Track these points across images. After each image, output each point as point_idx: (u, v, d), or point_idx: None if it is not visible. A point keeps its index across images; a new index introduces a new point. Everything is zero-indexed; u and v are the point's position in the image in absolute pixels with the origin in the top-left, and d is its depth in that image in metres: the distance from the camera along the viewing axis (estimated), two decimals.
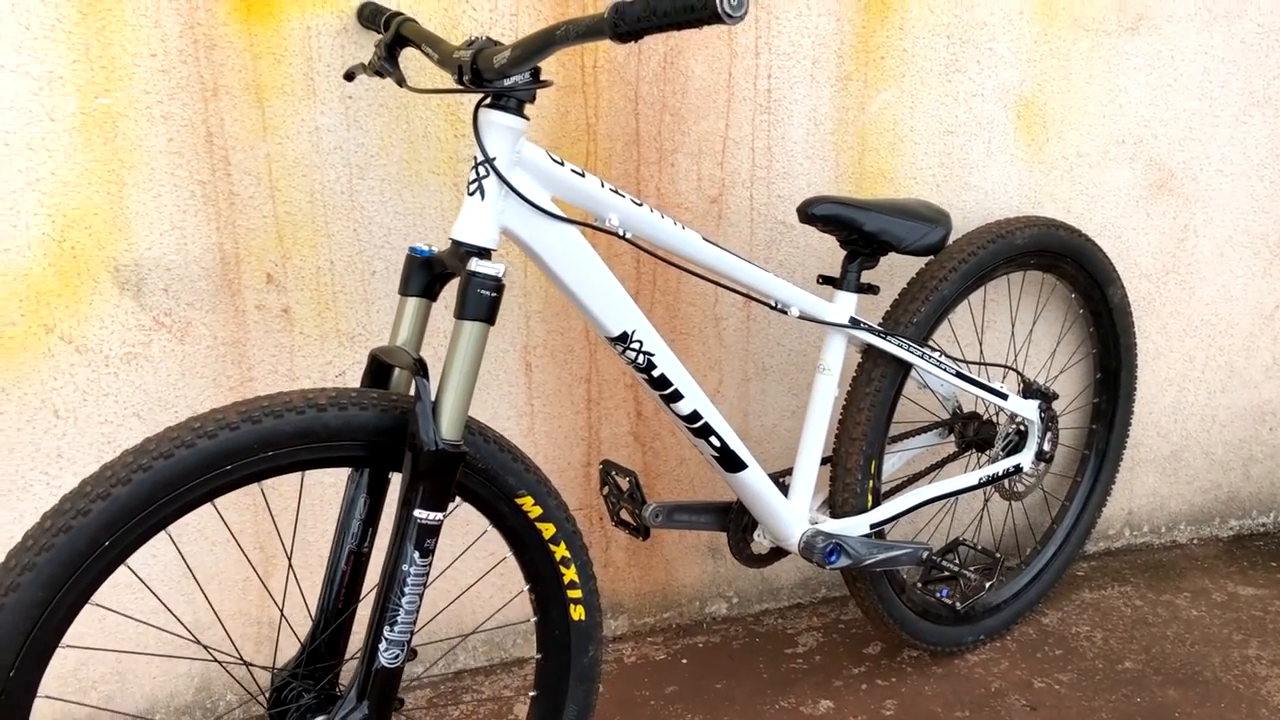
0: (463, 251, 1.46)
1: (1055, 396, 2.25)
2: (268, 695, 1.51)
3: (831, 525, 2.00)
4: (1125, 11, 2.31)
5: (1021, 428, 2.22)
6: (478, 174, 1.47)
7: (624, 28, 1.21)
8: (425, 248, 1.52)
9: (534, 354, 2.14)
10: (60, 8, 1.67)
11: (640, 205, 1.63)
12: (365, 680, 1.46)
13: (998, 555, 2.08)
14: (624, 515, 1.95)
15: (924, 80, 2.23)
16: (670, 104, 2.07)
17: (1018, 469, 2.20)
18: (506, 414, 2.16)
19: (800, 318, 1.87)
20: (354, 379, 2.03)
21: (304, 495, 1.86)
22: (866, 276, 1.96)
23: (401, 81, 1.63)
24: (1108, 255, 2.33)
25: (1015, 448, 2.23)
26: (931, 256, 2.01)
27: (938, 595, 2.27)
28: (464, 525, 2.12)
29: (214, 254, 1.87)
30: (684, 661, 2.37)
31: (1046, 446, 2.23)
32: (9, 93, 1.68)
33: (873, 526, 2.04)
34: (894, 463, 2.22)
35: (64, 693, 1.89)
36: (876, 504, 2.07)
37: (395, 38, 1.65)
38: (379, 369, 1.54)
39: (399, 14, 1.69)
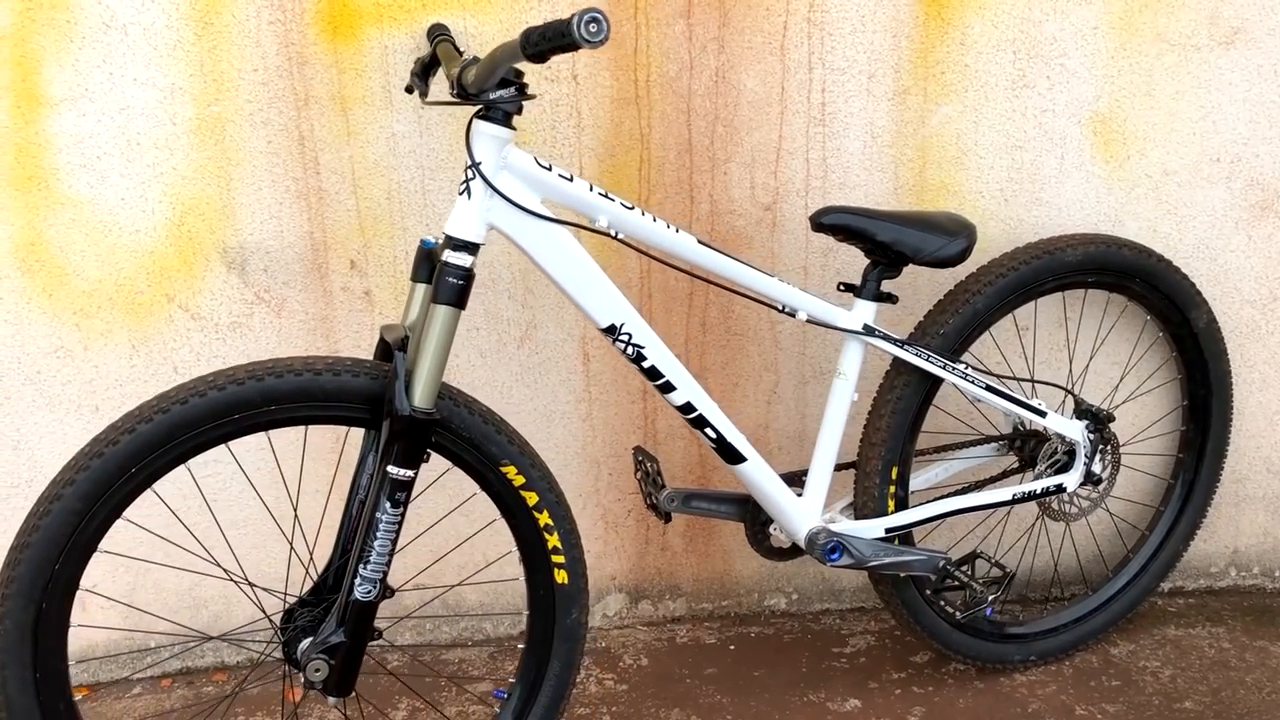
0: (451, 244, 1.67)
1: (1110, 418, 2.19)
2: (281, 616, 1.78)
3: (842, 525, 2.06)
4: (1218, 25, 2.21)
5: (1071, 448, 2.18)
6: (466, 177, 1.67)
7: (529, 50, 1.39)
8: (432, 240, 1.74)
9: (591, 344, 2.31)
10: (180, 31, 2.01)
11: (631, 209, 1.78)
12: (344, 610, 1.69)
13: (1009, 571, 2.06)
14: (653, 500, 2.09)
15: (988, 95, 2.23)
16: (723, 115, 2.19)
17: (1059, 489, 2.16)
18: (565, 399, 2.34)
19: (809, 322, 1.95)
20: None
21: (306, 458, 2.11)
22: (890, 286, 2.01)
23: (424, 95, 1.85)
24: (1187, 277, 2.24)
25: (1063, 467, 2.19)
26: (951, 268, 2.02)
27: (985, 612, 2.28)
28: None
29: (306, 241, 2.17)
30: (731, 648, 2.47)
31: (1097, 469, 2.18)
32: (140, 100, 2.03)
33: (889, 531, 2.08)
34: (938, 472, 2.24)
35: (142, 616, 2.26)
36: (899, 510, 2.11)
37: (431, 55, 1.88)
38: (385, 344, 1.77)
39: (442, 33, 1.92)
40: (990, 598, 2.01)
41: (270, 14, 2.02)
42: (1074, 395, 2.22)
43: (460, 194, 1.67)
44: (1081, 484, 2.19)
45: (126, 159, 2.06)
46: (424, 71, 1.89)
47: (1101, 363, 2.45)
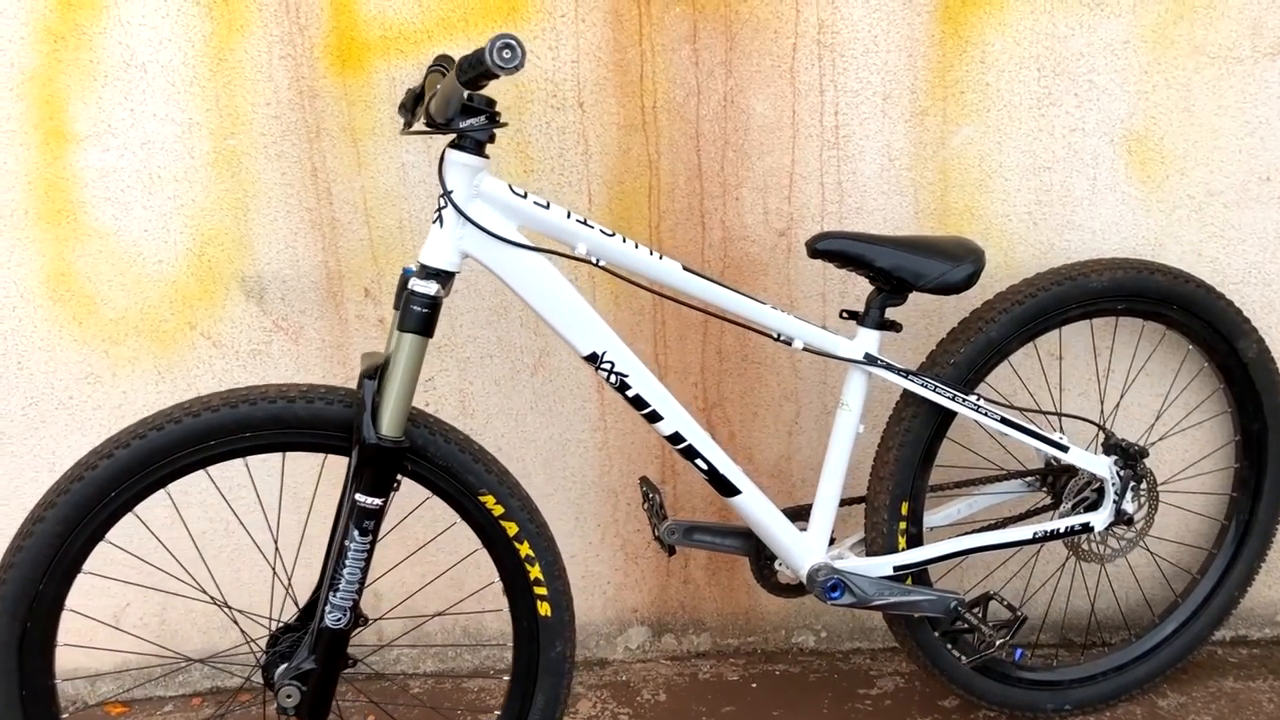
0: (424, 272, 1.67)
1: (1143, 454, 2.05)
2: (266, 642, 1.79)
3: (847, 563, 1.98)
4: (1262, 35, 2.07)
5: (1101, 485, 2.06)
6: (439, 205, 1.67)
7: (462, 78, 1.38)
8: (413, 267, 1.74)
9: None
10: (196, 67, 2.07)
11: (612, 236, 1.75)
12: (315, 638, 1.70)
13: (1020, 614, 1.94)
14: (657, 532, 2.05)
15: (1012, 115, 2.13)
16: (732, 140, 2.15)
17: (1085, 528, 2.04)
18: (580, 427, 2.32)
19: (806, 350, 1.89)
20: (442, 384, 2.28)
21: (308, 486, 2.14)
22: (903, 314, 1.93)
23: (407, 125, 1.86)
24: (1232, 304, 2.09)
25: (1093, 505, 2.07)
26: (956, 294, 1.93)
27: (1014, 656, 2.16)
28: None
29: (321, 270, 2.20)
30: (753, 686, 2.40)
31: (1129, 508, 2.05)
32: (160, 135, 2.10)
33: (897, 569, 1.99)
34: (961, 508, 2.14)
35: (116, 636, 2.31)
36: (910, 547, 2.02)
37: (421, 86, 1.89)
38: None
39: (440, 65, 1.93)
40: (998, 642, 1.91)
41: (281, 49, 2.07)
42: (1103, 429, 2.09)
43: (433, 222, 1.67)
44: (1112, 523, 2.06)
45: (149, 192, 2.13)
46: (413, 102, 1.90)
47: (1140, 395, 2.31)
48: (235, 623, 1.82)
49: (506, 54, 1.29)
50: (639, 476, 2.10)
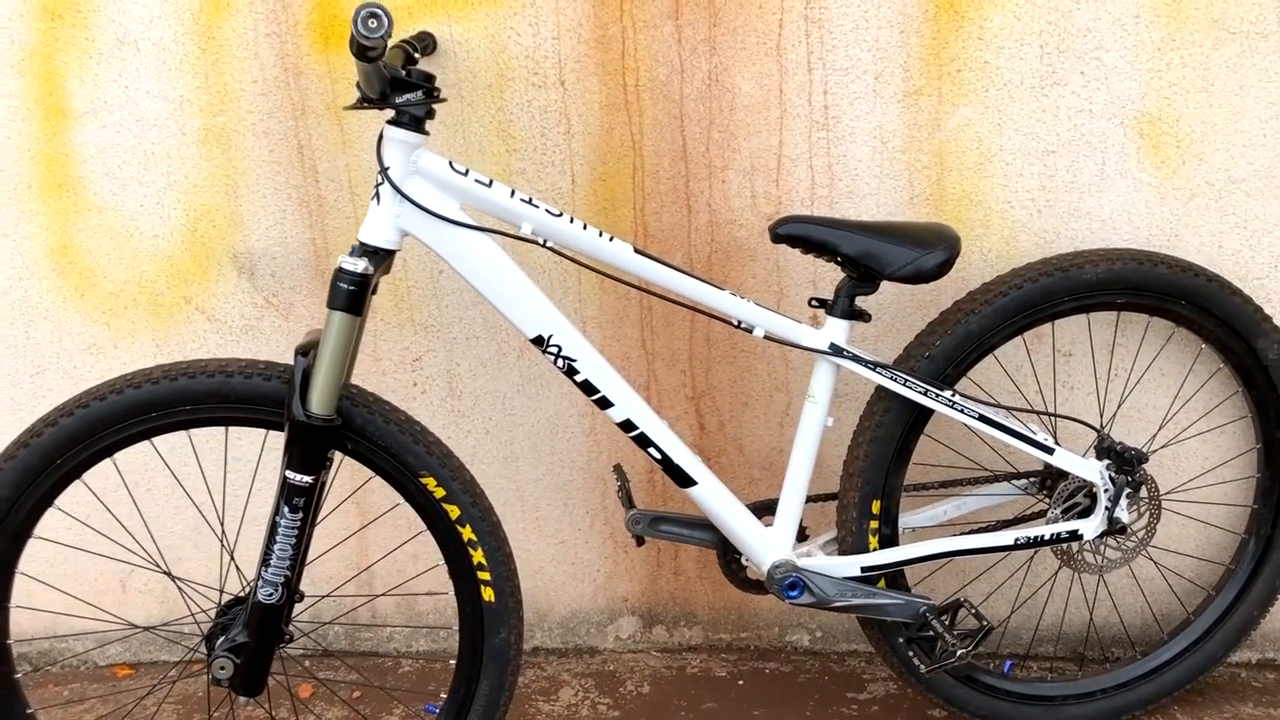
0: (360, 250, 1.65)
1: (1141, 459, 1.91)
2: (214, 614, 1.81)
3: (811, 561, 1.90)
4: None
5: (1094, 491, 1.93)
6: (376, 182, 1.65)
7: (352, 49, 1.36)
8: None
9: None
10: (186, 45, 2.10)
11: (559, 215, 1.71)
12: (249, 612, 1.71)
13: (986, 624, 1.83)
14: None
15: (1013, 95, 2.01)
16: (718, 120, 2.08)
17: (1073, 535, 1.91)
18: (569, 412, 2.29)
19: (767, 339, 1.82)
20: (429, 365, 2.28)
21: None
22: (877, 303, 1.84)
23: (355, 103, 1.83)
24: (1250, 300, 1.93)
25: (1085, 512, 1.94)
26: (927, 283, 1.82)
27: (1003, 669, 2.05)
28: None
29: (309, 247, 2.22)
30: (740, 683, 2.34)
31: (1123, 516, 1.91)
32: (153, 112, 2.14)
33: (865, 569, 1.90)
34: (948, 509, 2.04)
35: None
36: (884, 547, 1.93)
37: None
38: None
39: (409, 43, 1.91)
40: (959, 651, 1.80)
41: (266, 26, 2.08)
42: (1096, 430, 1.96)
43: (372, 199, 1.66)
44: (1104, 532, 1.93)
45: (143, 168, 2.17)
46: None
47: (1147, 396, 2.17)
48: (181, 593, 1.85)
49: (372, 23, 1.26)
50: (614, 464, 2.06)
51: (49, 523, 1.73)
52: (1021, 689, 2.07)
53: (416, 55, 1.87)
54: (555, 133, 2.11)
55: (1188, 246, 2.05)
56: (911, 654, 1.89)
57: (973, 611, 1.85)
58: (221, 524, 2.02)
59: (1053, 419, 2.05)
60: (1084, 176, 2.04)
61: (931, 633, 1.85)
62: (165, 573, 1.91)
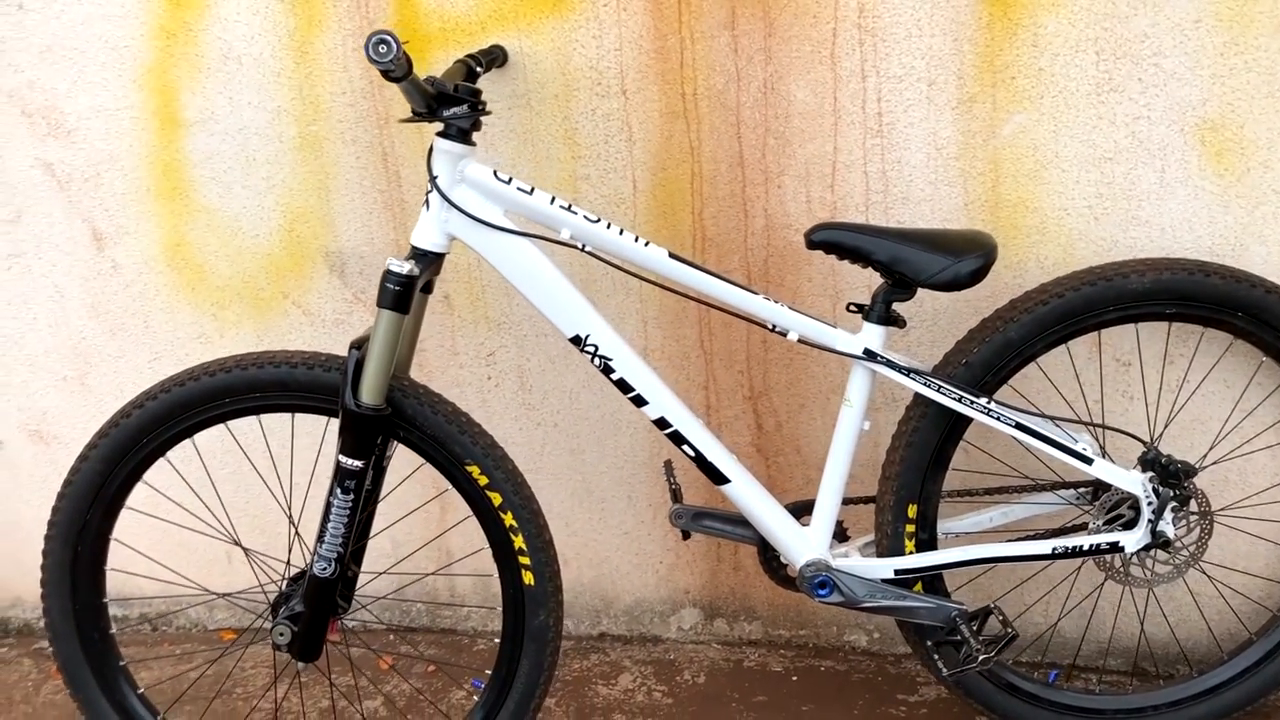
0: (412, 254, 1.78)
1: (1189, 471, 1.87)
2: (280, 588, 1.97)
3: (845, 562, 1.94)
4: None
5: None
6: (427, 190, 1.78)
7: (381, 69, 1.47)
8: None
9: (653, 357, 2.33)
10: (283, 59, 2.27)
11: (596, 222, 1.80)
12: (305, 585, 1.86)
13: (1010, 631, 1.82)
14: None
15: (1068, 101, 1.99)
16: (773, 127, 2.13)
17: (1114, 547, 1.89)
18: (629, 410, 2.35)
19: (801, 342, 1.86)
20: (502, 360, 2.40)
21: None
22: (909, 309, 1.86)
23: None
24: None
25: (1129, 524, 1.91)
26: (960, 291, 1.83)
27: (1048, 679, 2.04)
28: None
29: (392, 247, 2.37)
30: (794, 679, 2.38)
31: (1167, 529, 1.87)
32: (254, 122, 2.32)
33: (899, 572, 1.93)
34: (994, 516, 2.03)
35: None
36: (920, 551, 1.94)
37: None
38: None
39: (476, 57, 2.02)
40: (981, 656, 1.81)
41: (354, 41, 2.24)
42: (1142, 441, 1.92)
43: (423, 206, 1.78)
44: (1148, 545, 1.90)
45: (246, 173, 2.36)
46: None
47: (1203, 410, 2.12)
48: (251, 565, 2.02)
49: (382, 49, 1.37)
50: (664, 460, 2.14)
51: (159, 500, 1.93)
52: (1066, 699, 2.06)
53: (479, 70, 1.99)
54: (618, 140, 2.20)
55: (1254, 257, 1.99)
56: (937, 657, 1.91)
57: (1000, 618, 1.85)
58: (288, 503, 2.18)
59: (1102, 431, 2.02)
60: (1143, 184, 2.01)
61: (959, 637, 1.86)
62: (237, 543, 2.09)
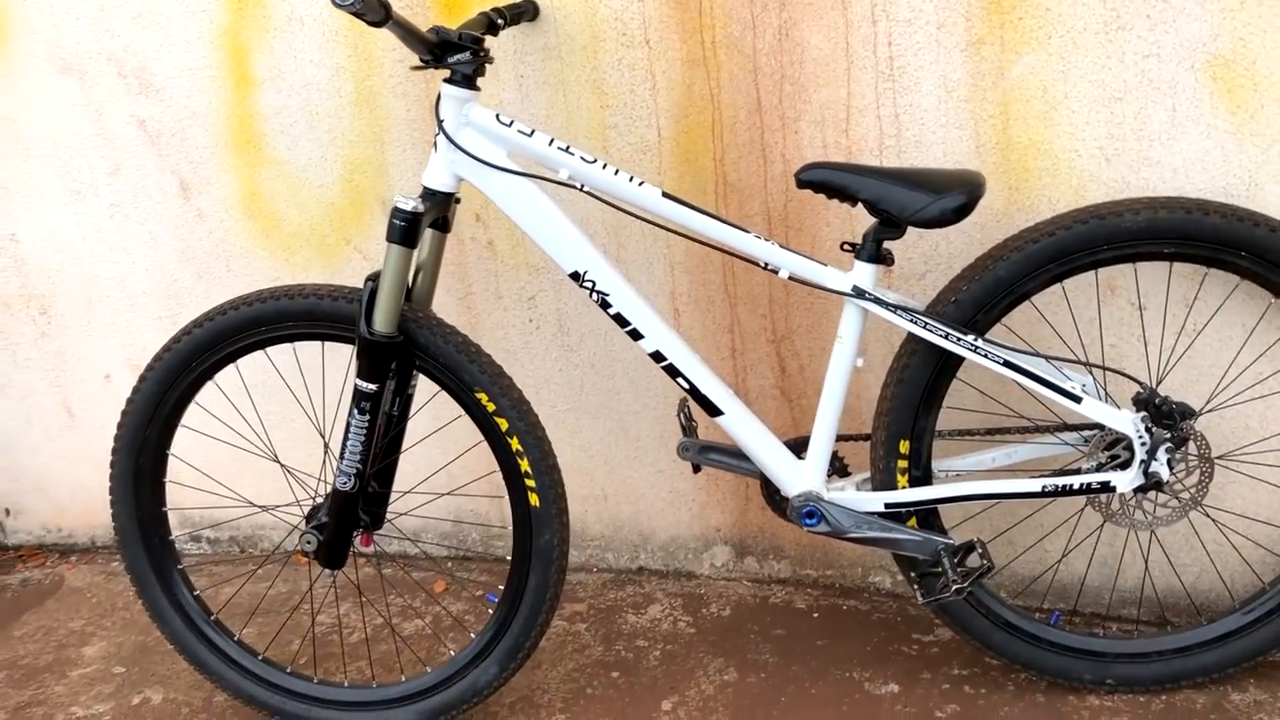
0: (422, 193, 1.92)
1: (1185, 413, 1.85)
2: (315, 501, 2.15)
3: (838, 495, 1.99)
4: None
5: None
6: (435, 133, 1.91)
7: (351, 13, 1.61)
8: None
9: (680, 300, 2.41)
10: (340, 19, 2.44)
11: (592, 162, 1.90)
12: (329, 497, 2.03)
13: (986, 564, 1.84)
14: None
15: (1076, 41, 1.97)
16: (789, 73, 2.18)
17: (1105, 488, 1.88)
18: None
19: (791, 280, 1.92)
20: (542, 304, 2.53)
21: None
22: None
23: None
24: None
25: (1124, 465, 1.90)
26: (944, 228, 1.85)
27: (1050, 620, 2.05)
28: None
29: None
30: (815, 616, 2.45)
31: (1160, 470, 1.86)
32: (317, 78, 2.50)
33: (889, 506, 1.97)
34: (997, 456, 2.05)
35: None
36: (913, 487, 1.98)
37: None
38: None
39: (490, 10, 2.13)
40: (955, 586, 1.84)
41: (401, 1, 2.39)
42: (1137, 381, 1.91)
43: (432, 149, 1.92)
44: (1141, 486, 1.89)
45: (310, 126, 2.55)
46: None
47: (1208, 352, 2.08)
48: (288, 480, 2.21)
49: None
50: (681, 397, 2.23)
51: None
52: (1068, 641, 2.07)
53: (500, 23, 2.10)
54: (642, 89, 2.29)
55: (1270, 196, 1.94)
56: (918, 586, 1.95)
57: (980, 551, 1.88)
58: (321, 424, 2.37)
59: (1103, 373, 2.01)
60: (1153, 124, 1.98)
61: (939, 569, 1.90)
62: (276, 460, 2.29)
